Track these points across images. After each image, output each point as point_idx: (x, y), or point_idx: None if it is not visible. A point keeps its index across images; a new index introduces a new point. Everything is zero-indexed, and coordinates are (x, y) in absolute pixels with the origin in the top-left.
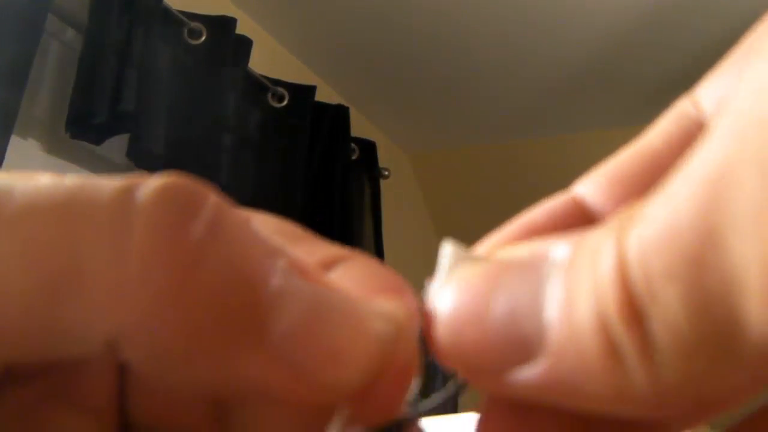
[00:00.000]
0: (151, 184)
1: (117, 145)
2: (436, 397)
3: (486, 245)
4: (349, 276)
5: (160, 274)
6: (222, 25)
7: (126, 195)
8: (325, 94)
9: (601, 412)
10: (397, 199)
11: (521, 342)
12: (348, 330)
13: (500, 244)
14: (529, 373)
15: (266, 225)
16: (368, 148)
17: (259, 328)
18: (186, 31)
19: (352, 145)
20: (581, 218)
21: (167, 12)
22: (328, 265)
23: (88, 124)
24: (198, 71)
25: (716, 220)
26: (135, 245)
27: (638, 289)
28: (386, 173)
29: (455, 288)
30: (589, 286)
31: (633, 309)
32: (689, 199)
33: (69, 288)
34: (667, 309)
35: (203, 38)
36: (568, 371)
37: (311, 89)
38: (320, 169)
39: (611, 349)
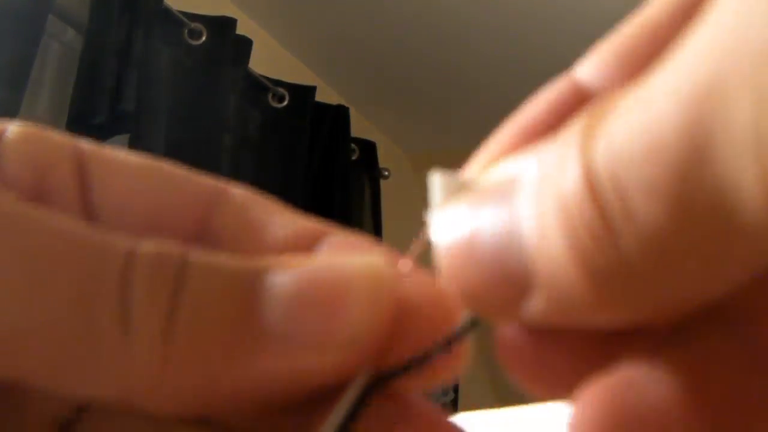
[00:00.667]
0: (141, 259)
1: (117, 145)
2: (451, 334)
3: (478, 161)
4: (330, 247)
5: (165, 346)
6: (222, 26)
7: (127, 266)
8: (325, 94)
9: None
10: (397, 199)
11: (512, 277)
12: (337, 281)
13: (492, 158)
14: (531, 307)
15: (245, 201)
16: (368, 148)
17: (255, 321)
18: (186, 31)
19: (352, 145)
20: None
21: (167, 12)
22: (308, 242)
23: (88, 124)
24: (198, 71)
25: (705, 136)
26: (137, 318)
27: (610, 205)
28: (386, 173)
29: (443, 226)
30: (555, 207)
31: (606, 227)
32: (675, 111)
33: (79, 359)
34: (647, 226)
35: (203, 38)
36: (565, 299)
37: (311, 89)
38: (320, 170)
39: (589, 274)
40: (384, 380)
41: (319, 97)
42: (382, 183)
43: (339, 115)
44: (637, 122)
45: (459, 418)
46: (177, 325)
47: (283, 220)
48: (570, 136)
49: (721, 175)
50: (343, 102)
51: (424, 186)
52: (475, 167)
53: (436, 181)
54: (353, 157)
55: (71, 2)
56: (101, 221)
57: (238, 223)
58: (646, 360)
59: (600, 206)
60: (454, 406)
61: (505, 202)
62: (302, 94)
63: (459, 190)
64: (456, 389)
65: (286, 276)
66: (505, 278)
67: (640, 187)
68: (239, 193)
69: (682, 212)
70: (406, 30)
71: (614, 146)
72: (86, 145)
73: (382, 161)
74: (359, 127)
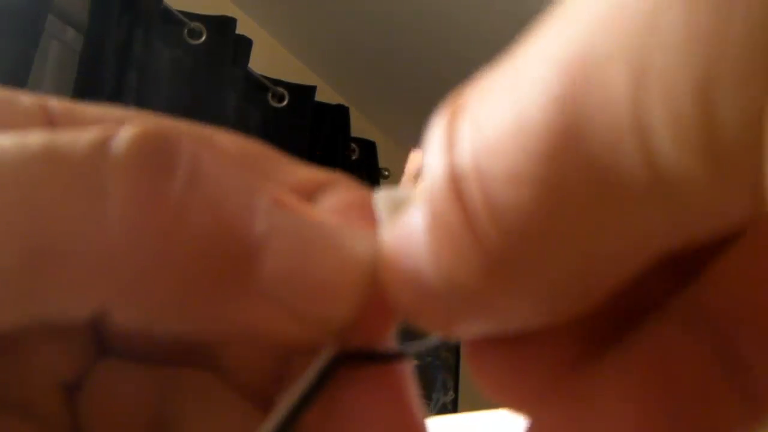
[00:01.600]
0: (124, 140)
1: None
2: (420, 344)
3: (410, 167)
4: (331, 205)
5: (143, 238)
6: (222, 25)
7: (99, 154)
8: (325, 94)
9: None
10: None
11: (433, 299)
12: (334, 262)
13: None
14: (451, 315)
15: (240, 149)
16: (368, 148)
17: (247, 271)
18: (186, 31)
19: (352, 145)
20: None
21: (167, 12)
22: (310, 190)
23: None
24: (198, 71)
25: (576, 112)
26: (114, 211)
27: (473, 199)
28: (386, 173)
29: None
30: (427, 211)
31: (468, 223)
32: (542, 88)
33: (47, 264)
34: (512, 214)
35: (203, 38)
36: (462, 300)
37: (311, 89)
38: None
39: (464, 272)
40: (345, 362)
41: (319, 97)
42: (382, 183)
43: (339, 115)
44: (502, 104)
45: (460, 419)
46: (175, 234)
47: (285, 168)
48: (436, 129)
49: (596, 152)
50: (343, 102)
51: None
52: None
53: (380, 198)
54: (353, 157)
55: (71, 2)
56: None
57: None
58: (602, 368)
59: (463, 201)
60: (454, 406)
61: (406, 219)
62: (302, 93)
63: (399, 205)
64: (456, 389)
65: (295, 231)
66: (422, 293)
67: (503, 178)
68: (228, 140)
69: (552, 196)
70: (407, 30)
71: (479, 134)
72: (57, 106)
73: (382, 161)
74: (359, 127)
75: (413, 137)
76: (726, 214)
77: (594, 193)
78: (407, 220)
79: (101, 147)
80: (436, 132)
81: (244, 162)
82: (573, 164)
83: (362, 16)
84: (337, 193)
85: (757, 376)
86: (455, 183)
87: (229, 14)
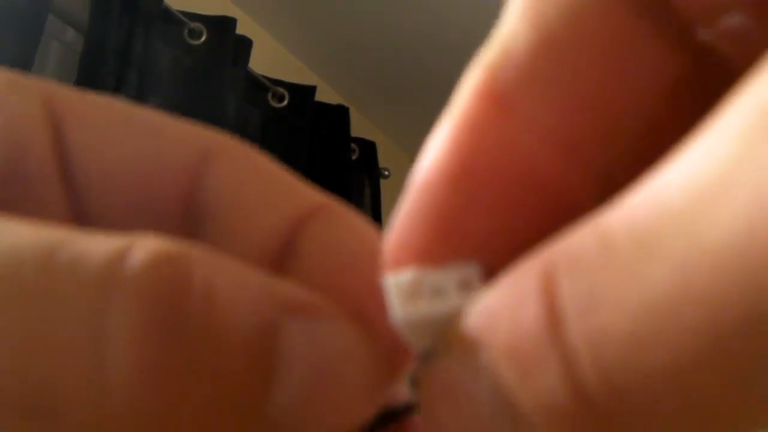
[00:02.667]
0: (137, 267)
1: None
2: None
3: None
4: (318, 244)
5: (154, 387)
6: (222, 25)
7: (110, 281)
8: (325, 94)
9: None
10: (397, 199)
11: None
12: (351, 391)
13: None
14: None
15: (231, 169)
16: (368, 148)
17: (259, 404)
18: (186, 31)
19: (352, 145)
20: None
21: (167, 12)
22: (299, 223)
23: None
24: (198, 71)
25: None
26: (117, 370)
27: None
28: (386, 173)
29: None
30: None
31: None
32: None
33: (39, 412)
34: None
35: (203, 38)
36: None
37: (311, 89)
38: (320, 170)
39: None
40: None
41: (319, 97)
42: (382, 183)
43: (339, 115)
44: (636, 304)
45: None
46: (172, 389)
47: (273, 195)
48: (524, 284)
49: None
50: (343, 102)
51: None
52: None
53: (391, 286)
54: (353, 157)
55: (71, 2)
56: (78, 191)
57: (226, 198)
58: None
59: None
60: None
61: (476, 372)
62: (302, 94)
63: (414, 297)
64: None
65: (314, 351)
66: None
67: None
68: (227, 155)
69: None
70: (407, 30)
71: (603, 340)
72: (62, 94)
73: (382, 161)
74: (359, 127)
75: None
76: None
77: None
78: (467, 366)
79: (112, 272)
80: (521, 278)
81: (235, 187)
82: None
83: (362, 16)
84: (324, 232)
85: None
86: (575, 386)
87: (229, 14)
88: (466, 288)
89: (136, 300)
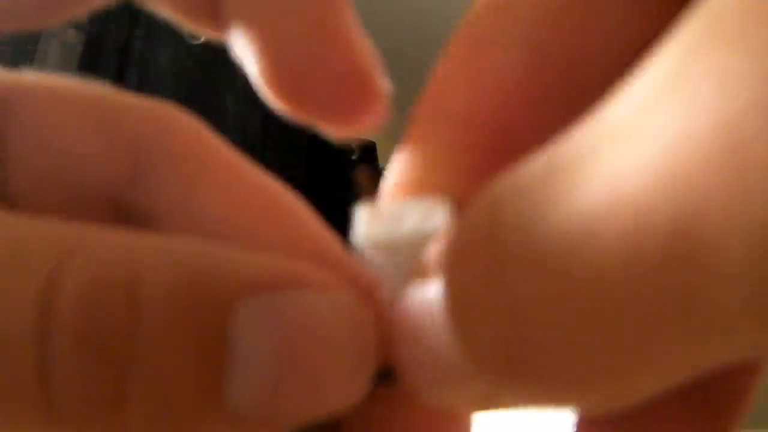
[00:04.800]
0: (70, 287)
1: None
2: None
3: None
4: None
5: (94, 407)
6: None
7: (46, 297)
8: None
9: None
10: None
11: (437, 364)
12: (319, 382)
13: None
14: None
15: (180, 153)
16: (368, 148)
17: (216, 395)
18: (186, 31)
19: (352, 145)
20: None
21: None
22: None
23: None
24: (198, 71)
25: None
26: (62, 395)
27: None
28: (386, 173)
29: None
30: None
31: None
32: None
33: None
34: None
35: (203, 38)
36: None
37: None
38: (320, 169)
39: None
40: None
41: None
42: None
43: None
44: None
45: None
46: (115, 400)
47: (224, 181)
48: (473, 218)
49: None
50: None
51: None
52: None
53: (358, 214)
54: (353, 157)
55: None
56: (12, 173)
57: (172, 192)
58: None
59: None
60: None
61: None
62: None
63: (392, 249)
64: None
65: (268, 340)
66: (435, 369)
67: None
68: (176, 136)
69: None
70: (407, 30)
71: (529, 243)
72: (5, 78)
73: (382, 161)
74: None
75: None
76: None
77: (683, 324)
78: (424, 294)
79: (47, 303)
80: (473, 218)
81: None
82: (665, 314)
83: (362, 16)
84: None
85: None
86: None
87: None
88: (427, 219)
89: (71, 327)
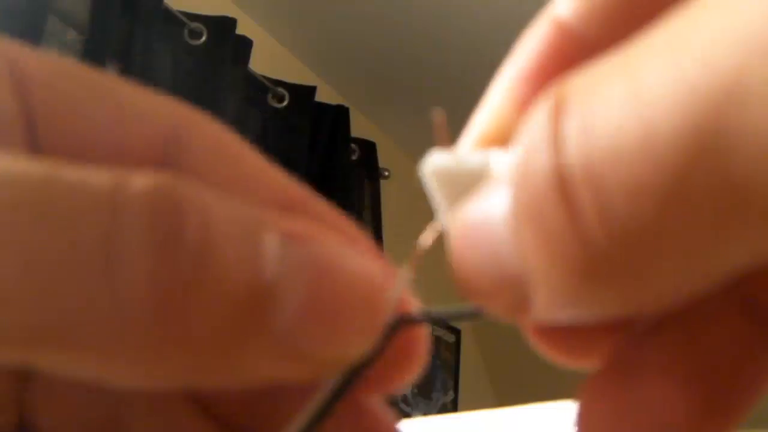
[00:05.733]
0: (138, 193)
1: None
2: (451, 309)
3: (473, 132)
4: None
5: (158, 314)
6: (222, 25)
7: (113, 204)
8: (325, 94)
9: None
10: (397, 199)
11: (512, 286)
12: (351, 306)
13: (486, 134)
14: (531, 304)
15: (204, 152)
16: (368, 148)
17: (261, 321)
18: (186, 31)
19: (352, 145)
20: (574, 53)
21: (167, 12)
22: (283, 207)
23: None
24: (198, 72)
25: (717, 138)
26: (129, 285)
27: (584, 206)
28: (386, 173)
29: (448, 234)
30: (525, 211)
31: (577, 230)
32: (681, 108)
33: (49, 340)
34: (628, 227)
35: (203, 38)
36: (553, 297)
37: (311, 89)
38: (320, 169)
39: (564, 275)
40: (357, 373)
41: (319, 97)
42: (382, 183)
43: (339, 115)
44: (621, 109)
45: (460, 419)
46: (176, 300)
47: (249, 184)
48: (538, 120)
49: (735, 173)
50: (343, 102)
51: (425, 186)
52: (471, 139)
53: (433, 170)
54: (353, 157)
55: (71, 2)
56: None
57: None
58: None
59: (570, 205)
60: (454, 406)
61: (487, 201)
62: (302, 94)
63: (461, 181)
64: (456, 389)
65: (305, 276)
66: (500, 277)
67: (622, 187)
68: (200, 134)
69: (677, 210)
70: (407, 30)
71: (592, 138)
72: (26, 56)
73: (382, 161)
74: (359, 127)
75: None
76: None
77: (724, 211)
78: (485, 204)
79: (114, 194)
80: (538, 123)
81: (208, 171)
82: (706, 184)
83: (362, 16)
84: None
85: None
86: (562, 184)
87: (229, 14)
88: (486, 158)
89: (145, 219)
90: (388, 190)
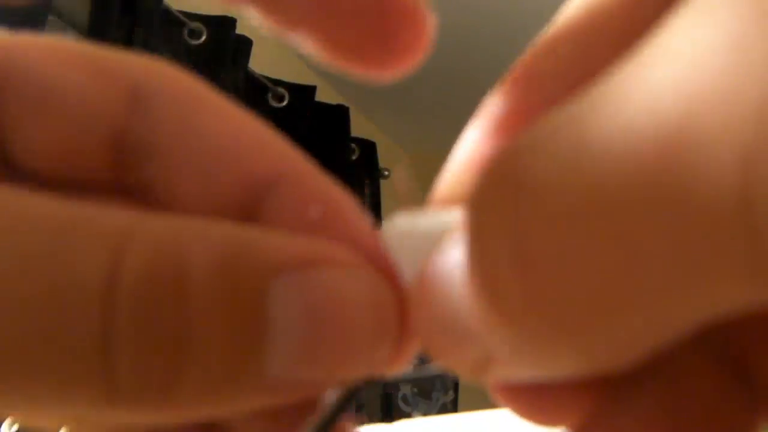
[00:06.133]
0: (135, 265)
1: None
2: (425, 369)
3: (439, 195)
4: (282, 207)
5: (150, 384)
6: (222, 25)
7: (110, 281)
8: (325, 94)
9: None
10: (398, 199)
11: (470, 344)
12: (350, 336)
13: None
14: (496, 366)
15: (175, 101)
16: (368, 148)
17: (256, 368)
18: (186, 31)
19: (352, 145)
20: (538, 107)
21: (167, 12)
22: (261, 189)
23: None
24: (198, 71)
25: (670, 183)
26: (122, 343)
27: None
28: (386, 173)
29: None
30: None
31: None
32: (628, 162)
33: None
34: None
35: (203, 38)
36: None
37: (311, 89)
38: (320, 169)
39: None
40: (358, 391)
41: (319, 96)
42: (382, 183)
43: (339, 115)
44: (569, 168)
45: (460, 419)
46: (176, 378)
47: (230, 146)
48: (483, 187)
49: (690, 218)
50: (343, 102)
51: (425, 186)
52: (437, 197)
53: (394, 235)
54: (353, 157)
55: (71, 2)
56: (16, 128)
57: (170, 139)
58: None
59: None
60: (454, 406)
61: (446, 259)
62: (302, 94)
63: (415, 240)
64: (456, 389)
65: (300, 316)
66: (458, 336)
67: (571, 233)
68: (167, 89)
69: (627, 252)
70: None
71: (538, 203)
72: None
73: (382, 161)
74: (359, 127)
75: (413, 137)
76: None
77: (677, 256)
78: (443, 262)
79: (110, 288)
80: (484, 187)
81: (181, 124)
82: (666, 239)
83: None
84: (288, 194)
85: (759, 378)
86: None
87: (229, 14)
88: (446, 214)
89: (134, 309)
90: (388, 190)
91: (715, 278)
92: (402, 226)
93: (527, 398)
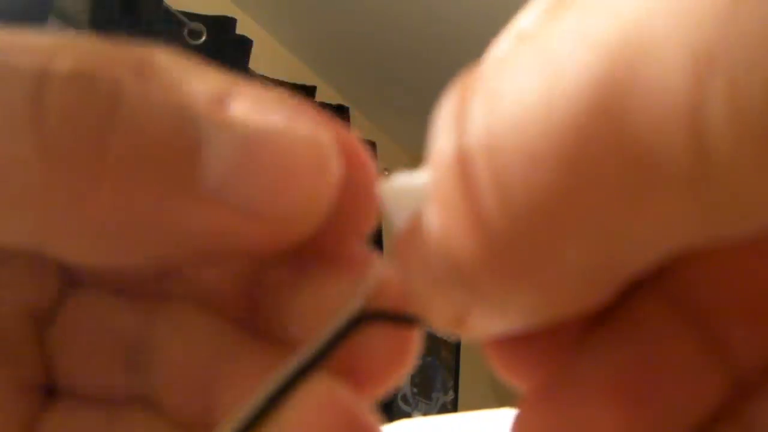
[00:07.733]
0: (63, 70)
1: None
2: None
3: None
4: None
5: (77, 149)
6: (222, 25)
7: (39, 84)
8: (325, 94)
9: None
10: None
11: (446, 294)
12: (285, 159)
13: None
14: (472, 318)
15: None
16: (368, 148)
17: (191, 175)
18: (186, 31)
19: None
20: None
21: (167, 12)
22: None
23: None
24: None
25: (618, 99)
26: (51, 123)
27: (481, 184)
28: (386, 173)
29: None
30: (433, 196)
31: (473, 211)
32: (577, 73)
33: None
34: (528, 202)
35: (203, 38)
36: (473, 291)
37: (311, 89)
38: None
39: (469, 263)
40: (368, 320)
41: (319, 96)
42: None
43: (339, 115)
44: (525, 79)
45: (460, 419)
46: (102, 161)
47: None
48: (445, 105)
49: (638, 136)
50: (343, 102)
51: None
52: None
53: (387, 191)
54: None
55: (71, 2)
56: None
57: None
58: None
59: (469, 183)
60: (454, 406)
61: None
62: (302, 93)
63: (408, 196)
64: (456, 389)
65: (232, 131)
66: (429, 281)
67: (520, 159)
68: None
69: (578, 180)
70: (407, 30)
71: (495, 112)
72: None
73: (382, 161)
74: (359, 127)
75: (413, 137)
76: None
77: (628, 178)
78: (420, 209)
79: (43, 79)
80: (445, 108)
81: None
82: (609, 147)
83: (362, 15)
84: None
85: (736, 348)
86: (462, 163)
87: (229, 14)
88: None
89: (64, 98)
90: None
91: (660, 199)
92: (398, 182)
93: (510, 355)
